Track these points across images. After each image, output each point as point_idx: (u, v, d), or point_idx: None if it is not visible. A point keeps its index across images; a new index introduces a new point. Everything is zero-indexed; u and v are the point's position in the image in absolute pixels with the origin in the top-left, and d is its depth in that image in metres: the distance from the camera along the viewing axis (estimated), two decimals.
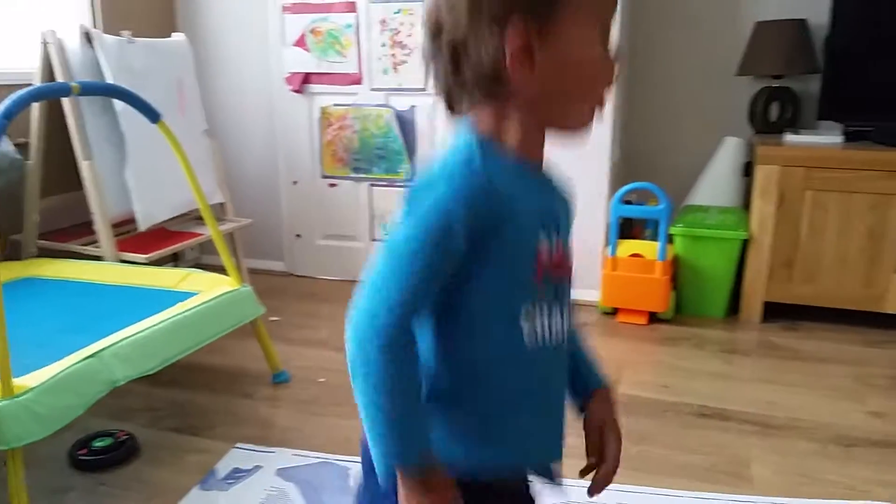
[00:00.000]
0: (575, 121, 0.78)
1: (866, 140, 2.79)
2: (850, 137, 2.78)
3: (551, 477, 0.86)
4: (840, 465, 1.83)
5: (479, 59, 0.73)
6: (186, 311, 2.00)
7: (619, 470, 0.88)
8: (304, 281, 3.44)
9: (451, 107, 0.80)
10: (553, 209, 0.80)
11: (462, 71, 0.74)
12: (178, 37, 2.94)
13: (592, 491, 0.88)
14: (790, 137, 2.82)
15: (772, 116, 3.02)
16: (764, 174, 2.68)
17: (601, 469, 0.88)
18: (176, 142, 2.16)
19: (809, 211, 2.66)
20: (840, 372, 2.36)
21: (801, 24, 2.87)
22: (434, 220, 0.71)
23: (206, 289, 2.21)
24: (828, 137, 2.77)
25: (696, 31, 3.20)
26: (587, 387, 0.91)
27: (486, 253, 0.73)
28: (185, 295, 2.16)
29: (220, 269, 2.30)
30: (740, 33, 3.06)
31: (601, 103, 0.78)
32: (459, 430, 0.79)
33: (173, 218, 2.85)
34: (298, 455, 1.90)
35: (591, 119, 0.78)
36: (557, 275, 0.80)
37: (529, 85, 0.73)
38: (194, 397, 2.24)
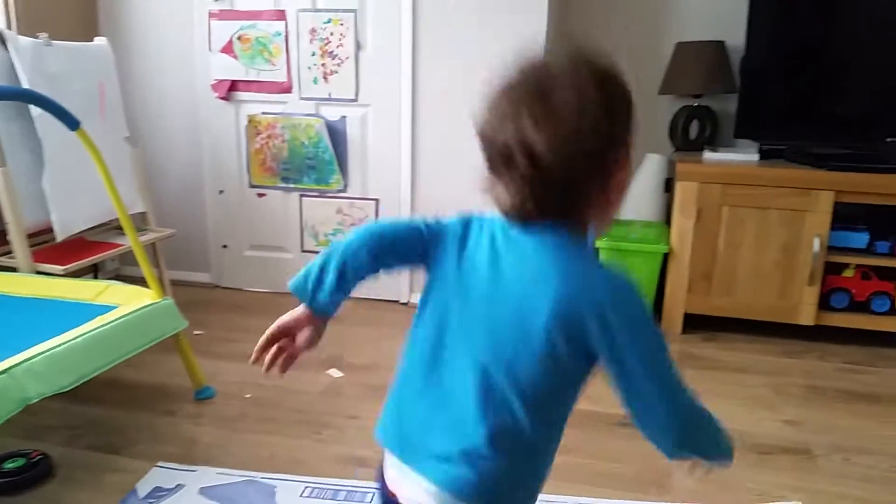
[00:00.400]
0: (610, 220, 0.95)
1: (780, 158, 2.93)
2: (766, 155, 2.91)
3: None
4: (755, 472, 1.90)
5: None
6: (105, 325, 1.93)
7: None
8: (230, 293, 3.37)
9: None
10: None
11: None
12: (100, 41, 2.85)
13: None
14: (708, 155, 2.93)
15: (691, 134, 3.13)
16: (683, 190, 2.78)
17: None
18: (95, 149, 2.09)
19: (726, 226, 2.76)
20: (757, 382, 2.45)
21: (719, 46, 2.99)
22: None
23: (125, 302, 2.13)
24: (744, 155, 2.89)
25: (619, 52, 3.28)
26: None
27: None
28: (104, 308, 2.08)
29: (142, 281, 2.23)
30: (662, 54, 3.16)
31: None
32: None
33: (92, 228, 2.76)
34: (222, 473, 1.85)
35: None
36: None
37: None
38: (114, 414, 2.16)
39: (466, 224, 0.99)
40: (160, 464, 1.89)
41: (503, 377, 0.87)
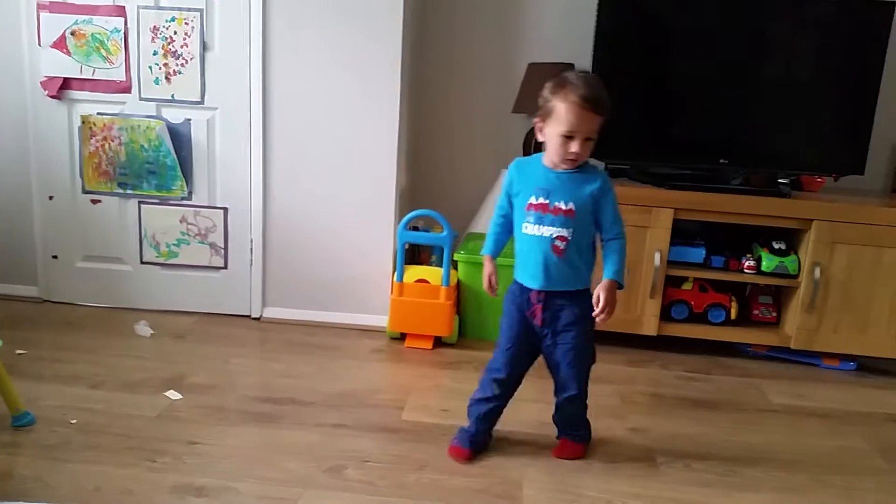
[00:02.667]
0: (556, 159, 1.85)
1: (623, 177, 3.05)
2: (610, 174, 3.01)
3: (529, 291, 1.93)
4: (602, 480, 1.94)
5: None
6: None
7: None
8: (60, 308, 3.08)
9: None
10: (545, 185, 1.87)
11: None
12: None
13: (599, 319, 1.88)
14: None
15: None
16: None
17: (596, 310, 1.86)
18: None
19: None
20: (604, 391, 2.52)
21: (568, 68, 3.08)
22: None
23: None
24: None
25: (475, 71, 3.35)
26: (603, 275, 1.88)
27: None
28: None
29: None
30: (516, 73, 3.23)
31: (564, 160, 1.83)
32: None
33: None
34: None
35: (562, 162, 1.84)
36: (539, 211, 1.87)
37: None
38: None
39: None
40: None
41: None
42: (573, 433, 2.08)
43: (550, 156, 1.85)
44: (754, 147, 2.98)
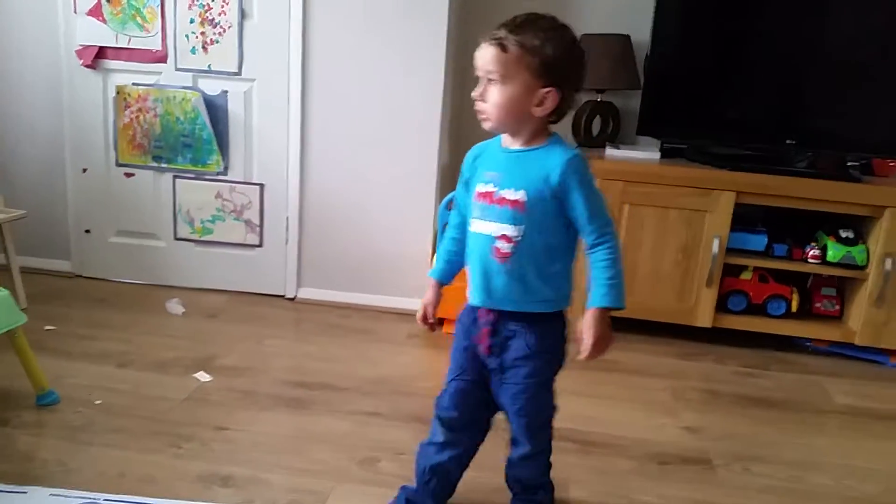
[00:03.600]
0: None
1: (681, 157, 2.87)
2: (667, 154, 2.86)
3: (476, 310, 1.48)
4: (656, 483, 1.80)
5: None
6: None
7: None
8: (93, 283, 3.02)
9: None
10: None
11: None
12: None
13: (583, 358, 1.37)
14: (610, 152, 2.84)
15: (594, 130, 3.05)
16: None
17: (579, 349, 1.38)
18: None
19: (627, 225, 2.68)
20: (655, 385, 2.38)
21: (624, 40, 2.91)
22: None
23: None
24: (646, 153, 2.82)
25: None
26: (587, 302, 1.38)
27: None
28: None
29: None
30: None
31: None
32: None
33: None
34: (57, 495, 1.58)
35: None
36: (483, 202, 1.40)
37: None
38: None
39: None
40: None
41: None
42: (528, 499, 1.61)
43: None
44: (822, 127, 2.77)
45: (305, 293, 2.97)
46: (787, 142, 2.73)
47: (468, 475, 1.59)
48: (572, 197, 1.33)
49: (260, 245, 2.94)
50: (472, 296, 1.46)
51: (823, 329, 2.74)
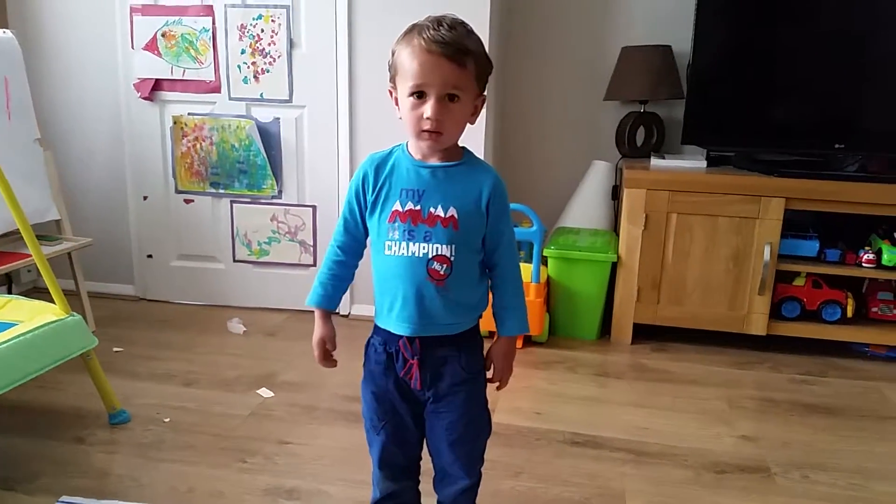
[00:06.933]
0: (412, 134, 1.28)
1: (728, 165, 2.87)
2: (713, 162, 2.85)
3: (395, 342, 1.33)
4: (712, 492, 1.80)
5: None
6: (2, 343, 1.73)
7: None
8: (156, 306, 3.14)
9: None
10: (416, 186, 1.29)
11: None
12: (2, 33, 2.61)
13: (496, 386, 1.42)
14: (655, 162, 2.85)
15: (638, 141, 3.06)
16: (631, 197, 2.69)
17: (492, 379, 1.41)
18: None
19: (675, 234, 2.68)
20: (710, 394, 2.37)
21: (666, 51, 2.92)
22: None
23: (27, 318, 1.93)
24: (691, 162, 2.82)
25: (564, 57, 3.21)
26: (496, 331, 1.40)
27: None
28: (3, 326, 1.87)
29: (65, 294, 2.01)
30: (608, 59, 3.08)
31: (420, 134, 1.25)
32: None
33: (3, 236, 2.52)
34: None
35: (418, 137, 1.27)
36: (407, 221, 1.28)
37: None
38: (14, 443, 1.95)
39: None
40: (63, 499, 1.69)
41: None
42: None
43: (411, 136, 1.29)
44: (872, 130, 2.73)
45: (358, 310, 3.04)
46: (836, 146, 2.70)
47: None
48: (496, 217, 1.31)
49: (314, 265, 3.03)
50: (398, 325, 1.30)
51: (881, 334, 2.69)
